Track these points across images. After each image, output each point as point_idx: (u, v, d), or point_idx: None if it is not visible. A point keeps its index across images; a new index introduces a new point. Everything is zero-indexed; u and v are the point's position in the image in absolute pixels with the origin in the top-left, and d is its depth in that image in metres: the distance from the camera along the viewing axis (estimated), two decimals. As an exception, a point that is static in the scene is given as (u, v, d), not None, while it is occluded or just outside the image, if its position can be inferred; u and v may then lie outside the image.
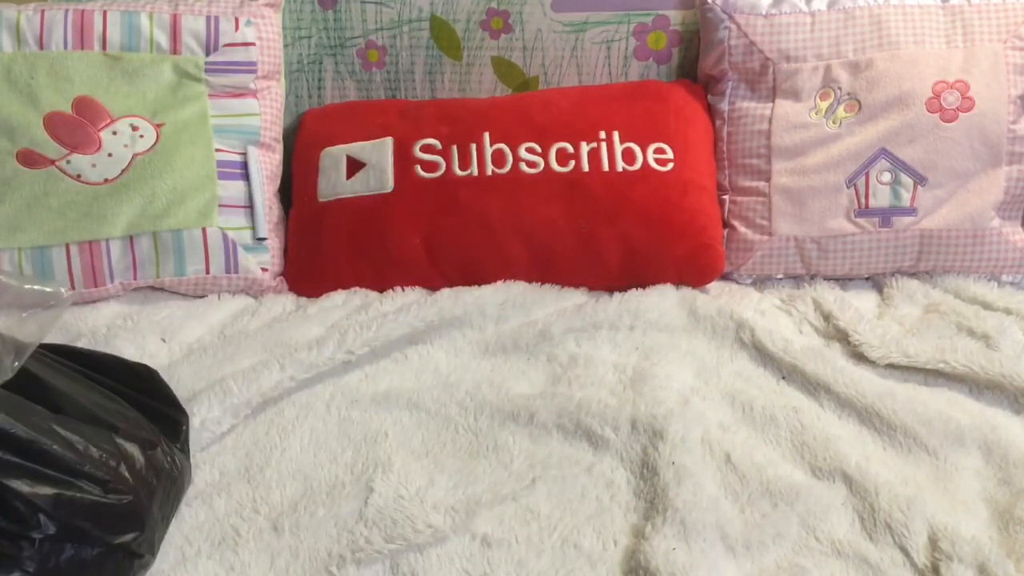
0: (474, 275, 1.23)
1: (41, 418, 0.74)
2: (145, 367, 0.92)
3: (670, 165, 1.25)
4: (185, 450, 0.91)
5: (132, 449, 0.80)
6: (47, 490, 0.72)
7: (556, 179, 1.24)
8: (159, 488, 0.82)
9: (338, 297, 1.23)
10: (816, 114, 1.26)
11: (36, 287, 0.82)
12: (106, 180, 1.18)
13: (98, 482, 0.75)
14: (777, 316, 1.21)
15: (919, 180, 1.24)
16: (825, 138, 1.25)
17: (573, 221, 1.23)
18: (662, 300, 1.19)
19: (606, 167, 1.24)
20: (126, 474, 0.78)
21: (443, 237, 1.23)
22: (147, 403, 0.89)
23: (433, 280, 1.24)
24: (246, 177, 1.25)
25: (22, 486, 0.71)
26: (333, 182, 1.27)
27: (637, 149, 1.25)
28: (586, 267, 1.24)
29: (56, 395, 0.79)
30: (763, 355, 1.11)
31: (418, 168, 1.25)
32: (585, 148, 1.25)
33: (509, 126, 1.27)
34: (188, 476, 0.90)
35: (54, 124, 1.18)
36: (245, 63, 1.26)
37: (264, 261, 1.25)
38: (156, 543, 0.82)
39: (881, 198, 1.24)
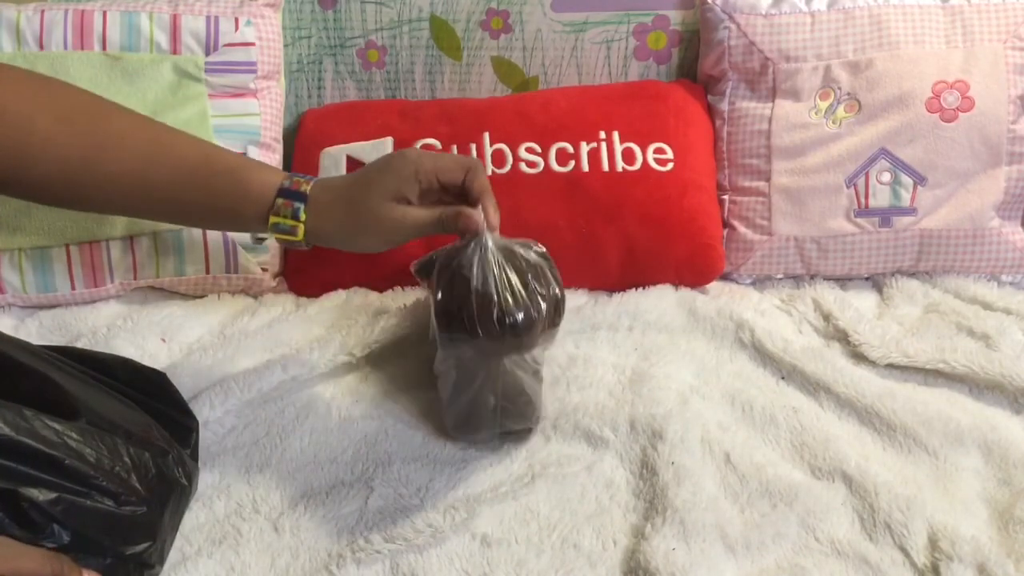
0: (474, 275, 1.23)
1: (54, 431, 0.73)
2: (157, 372, 0.91)
3: (670, 165, 1.25)
4: (195, 456, 0.91)
5: (145, 458, 0.79)
6: (61, 499, 0.71)
7: (556, 179, 1.24)
8: (171, 498, 0.82)
9: (338, 297, 1.22)
10: (816, 114, 1.26)
11: None
12: (106, 180, 1.18)
13: (111, 494, 0.75)
14: (777, 316, 1.21)
15: (919, 180, 1.23)
16: (825, 138, 1.25)
17: (573, 221, 1.22)
18: (661, 300, 1.19)
19: (606, 167, 1.24)
20: (138, 485, 0.77)
21: (443, 237, 1.23)
22: (158, 408, 0.88)
23: (433, 280, 1.24)
24: (246, 177, 1.25)
25: (37, 495, 0.70)
26: (333, 182, 1.27)
27: (637, 149, 1.25)
28: (586, 267, 1.24)
29: (74, 401, 0.78)
30: (763, 355, 1.11)
31: (418, 168, 1.25)
32: (585, 148, 1.25)
33: (509, 126, 1.27)
34: (196, 483, 0.89)
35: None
36: (245, 63, 1.26)
37: (264, 261, 1.25)
38: (165, 552, 0.82)
39: (881, 198, 1.24)
